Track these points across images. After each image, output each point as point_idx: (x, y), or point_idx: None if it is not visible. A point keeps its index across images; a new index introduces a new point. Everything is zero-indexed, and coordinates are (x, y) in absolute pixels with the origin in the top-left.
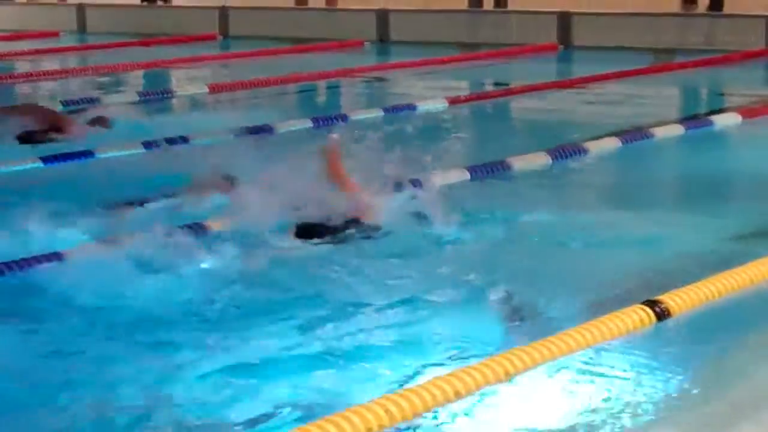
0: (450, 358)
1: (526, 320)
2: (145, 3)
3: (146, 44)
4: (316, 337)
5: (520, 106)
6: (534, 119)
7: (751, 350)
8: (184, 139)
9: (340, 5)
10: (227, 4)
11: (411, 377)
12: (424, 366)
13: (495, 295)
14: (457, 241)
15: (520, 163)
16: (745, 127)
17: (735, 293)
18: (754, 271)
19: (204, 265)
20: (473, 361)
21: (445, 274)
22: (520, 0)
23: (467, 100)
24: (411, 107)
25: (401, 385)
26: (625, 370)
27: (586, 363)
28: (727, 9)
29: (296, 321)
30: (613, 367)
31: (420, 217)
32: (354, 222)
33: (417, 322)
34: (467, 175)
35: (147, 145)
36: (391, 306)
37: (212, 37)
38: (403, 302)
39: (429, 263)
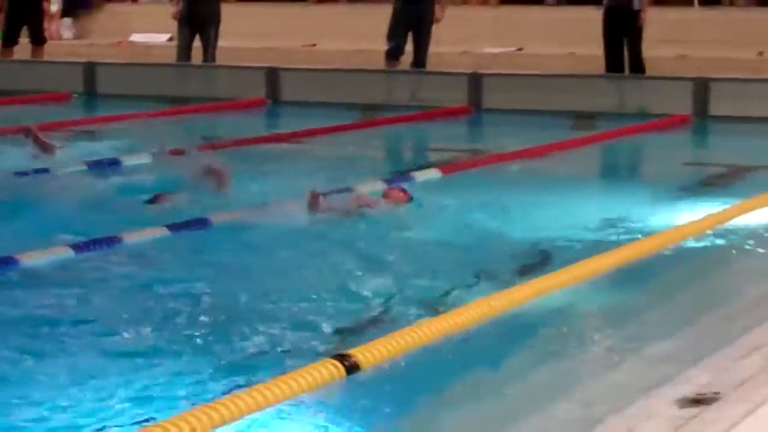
0: None
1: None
2: None
3: None
4: None
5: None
6: (240, 175)
7: (442, 402)
8: None
9: (46, 57)
10: None
11: None
12: None
13: None
14: None
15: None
16: (444, 183)
17: (425, 346)
18: (443, 323)
19: None
20: None
21: None
22: (228, 55)
23: (176, 153)
24: (115, 162)
25: None
26: (317, 426)
27: (278, 418)
28: (432, 66)
29: None
30: (304, 423)
31: None
32: None
33: None
34: (166, 232)
35: None
36: None
37: None
38: None
39: None
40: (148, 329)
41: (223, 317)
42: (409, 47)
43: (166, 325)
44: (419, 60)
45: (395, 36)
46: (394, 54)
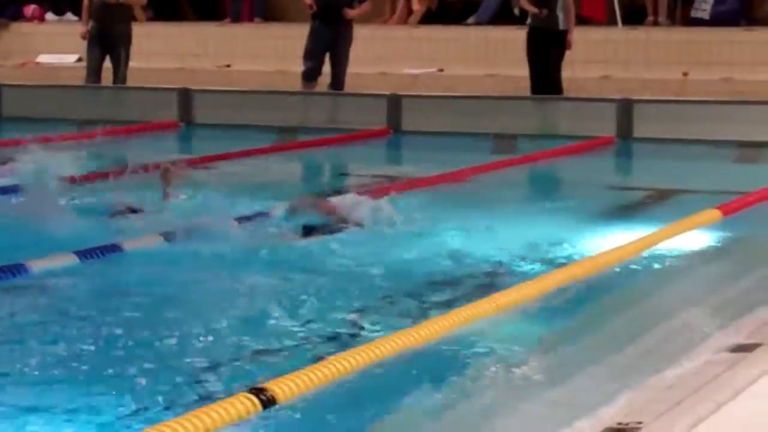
0: None
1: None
2: None
3: None
4: None
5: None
6: (150, 199)
7: None
8: None
9: None
10: None
11: None
12: None
13: None
14: None
15: (130, 245)
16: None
17: (345, 377)
18: (362, 355)
19: None
20: None
21: None
22: (140, 76)
23: (85, 179)
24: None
25: None
26: None
27: None
28: (350, 88)
29: None
30: None
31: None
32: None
33: None
34: (75, 259)
35: None
36: None
37: None
38: None
39: None
40: (51, 362)
41: (132, 349)
42: (326, 68)
43: (70, 357)
44: (337, 81)
45: (312, 57)
46: (310, 75)
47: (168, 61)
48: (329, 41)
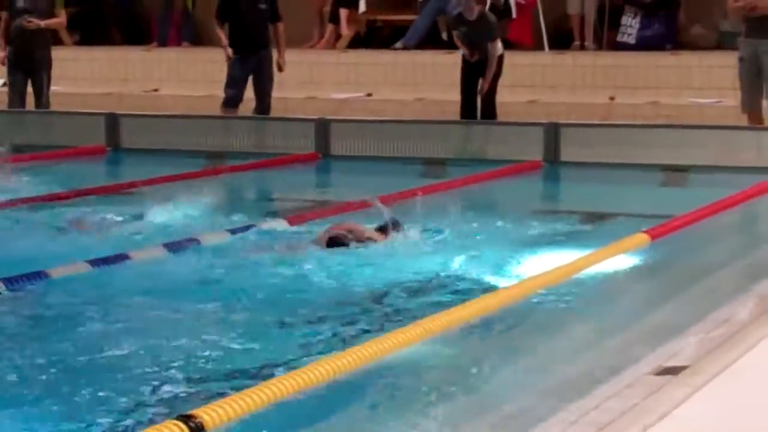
0: None
1: None
2: None
3: None
4: None
5: (62, 212)
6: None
7: None
8: None
9: None
10: None
11: None
12: None
13: None
14: None
15: (58, 272)
16: (291, 234)
17: (274, 403)
18: (292, 381)
19: None
20: None
21: None
22: (66, 101)
23: (7, 205)
24: None
25: None
26: None
27: None
28: (278, 112)
29: None
30: None
31: None
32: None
33: None
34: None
35: None
36: None
37: None
38: None
39: None
40: None
41: (56, 374)
42: (249, 94)
43: None
44: (263, 107)
45: (234, 85)
46: (231, 103)
47: (95, 86)
48: (251, 68)
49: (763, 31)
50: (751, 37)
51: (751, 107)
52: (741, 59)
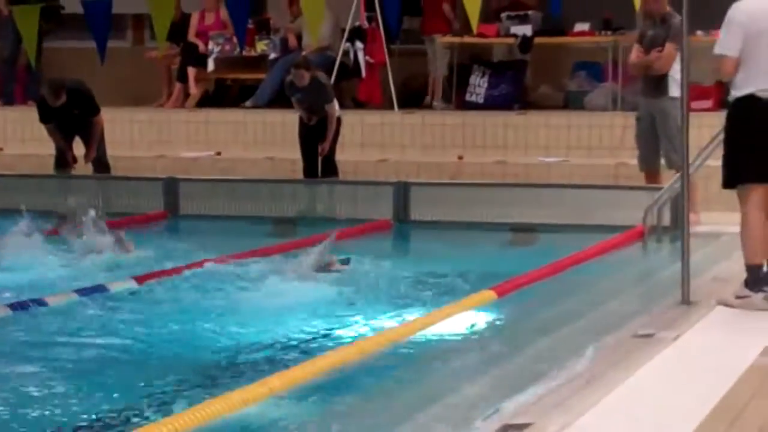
0: None
1: None
2: None
3: None
4: None
5: None
6: None
7: None
8: None
9: None
10: None
11: None
12: None
13: None
14: None
15: None
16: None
17: None
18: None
19: None
20: None
21: None
22: None
23: None
24: None
25: None
26: None
27: None
28: (127, 171)
29: None
30: None
31: None
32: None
33: None
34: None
35: None
36: None
37: None
38: None
39: None
40: None
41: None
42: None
43: None
44: (101, 165)
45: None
46: (61, 164)
47: None
48: (74, 127)
49: (657, 91)
50: (646, 96)
51: (647, 166)
52: (638, 119)
